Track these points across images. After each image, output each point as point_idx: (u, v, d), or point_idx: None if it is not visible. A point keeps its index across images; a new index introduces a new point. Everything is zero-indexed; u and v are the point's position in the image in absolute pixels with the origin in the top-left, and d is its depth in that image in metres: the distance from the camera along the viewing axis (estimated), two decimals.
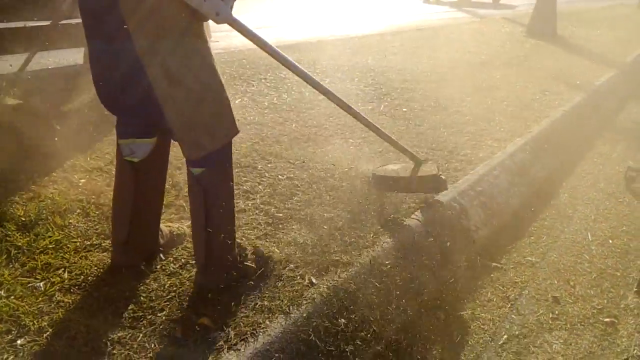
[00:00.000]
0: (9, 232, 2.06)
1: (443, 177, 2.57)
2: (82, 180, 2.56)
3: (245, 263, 1.97)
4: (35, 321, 1.66)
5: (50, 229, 2.10)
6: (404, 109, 4.28)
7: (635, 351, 1.95)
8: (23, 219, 2.15)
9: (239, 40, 1.82)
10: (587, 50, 7.89)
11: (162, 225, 2.10)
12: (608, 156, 4.33)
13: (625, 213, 3.31)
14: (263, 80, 4.74)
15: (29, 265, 1.90)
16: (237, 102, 4.10)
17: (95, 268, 1.94)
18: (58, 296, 1.78)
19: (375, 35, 7.93)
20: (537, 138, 4.00)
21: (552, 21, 8.93)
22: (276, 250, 2.15)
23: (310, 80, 2.07)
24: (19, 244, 2.00)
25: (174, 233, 2.15)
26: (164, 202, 2.11)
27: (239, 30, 1.75)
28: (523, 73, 6.05)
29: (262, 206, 2.49)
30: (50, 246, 2.01)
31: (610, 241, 2.93)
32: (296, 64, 1.97)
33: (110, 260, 1.98)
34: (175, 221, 2.31)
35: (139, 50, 1.51)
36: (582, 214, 3.26)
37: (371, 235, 2.31)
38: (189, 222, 1.98)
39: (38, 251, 1.98)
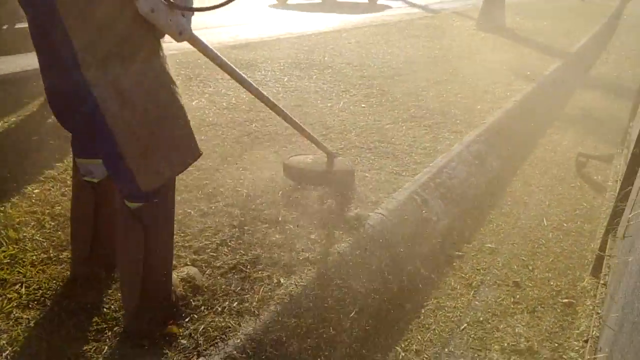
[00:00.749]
0: None
1: (354, 173, 2.72)
2: (36, 191, 2.46)
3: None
4: None
5: (4, 243, 2.01)
6: (363, 105, 4.33)
7: (594, 332, 2.03)
8: None
9: None
10: (535, 41, 8.18)
11: None
12: (559, 143, 4.51)
13: (577, 197, 3.46)
14: (220, 80, 4.68)
15: None
16: (194, 103, 4.04)
17: (54, 282, 1.87)
18: (16, 313, 1.71)
19: (331, 32, 7.97)
20: (491, 129, 4.12)
21: (500, 14, 9.21)
22: (241, 252, 2.14)
23: (267, 101, 2.14)
24: None
25: None
26: None
27: (198, 49, 1.69)
28: (475, 66, 6.22)
29: (225, 208, 2.46)
30: (5, 261, 1.93)
31: (565, 225, 3.05)
32: (252, 83, 2.02)
33: (70, 273, 1.91)
34: None
35: (85, 68, 1.33)
36: (537, 200, 3.38)
37: (337, 231, 2.33)
38: None
39: None
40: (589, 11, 12.47)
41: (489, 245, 2.79)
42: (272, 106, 2.20)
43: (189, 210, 2.42)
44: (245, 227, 2.32)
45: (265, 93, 2.15)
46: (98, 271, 1.88)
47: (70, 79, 1.38)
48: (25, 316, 1.70)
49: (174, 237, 1.99)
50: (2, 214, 2.22)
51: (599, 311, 2.08)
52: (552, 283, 2.47)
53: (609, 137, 4.55)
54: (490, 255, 2.69)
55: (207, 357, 1.60)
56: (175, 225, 2.20)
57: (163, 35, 1.50)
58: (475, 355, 2.00)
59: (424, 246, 2.61)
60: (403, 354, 2.00)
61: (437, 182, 3.03)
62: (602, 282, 2.26)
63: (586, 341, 2.03)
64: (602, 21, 10.91)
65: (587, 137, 4.63)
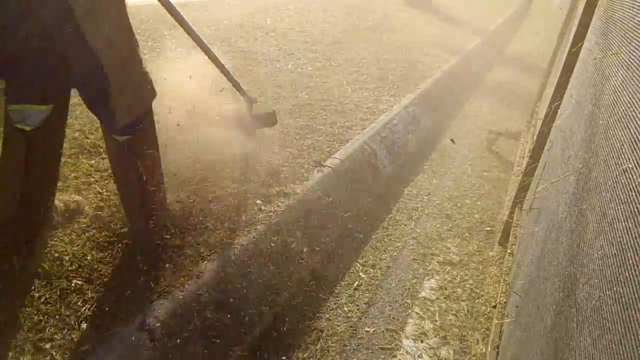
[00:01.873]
0: None
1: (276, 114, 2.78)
2: None
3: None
4: None
5: None
6: (310, 68, 4.65)
7: (501, 298, 2.27)
8: None
9: None
10: (458, 19, 8.85)
11: (55, 200, 1.92)
12: (479, 109, 5.12)
13: (495, 152, 4.06)
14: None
15: None
16: None
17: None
18: None
19: None
20: (423, 94, 4.62)
21: None
22: (219, 187, 2.43)
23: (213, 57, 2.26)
24: None
25: (70, 208, 2.01)
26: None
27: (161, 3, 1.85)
28: (407, 39, 6.71)
29: (194, 156, 2.71)
30: None
31: (485, 173, 3.62)
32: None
33: None
34: (69, 193, 2.16)
35: (79, 17, 1.43)
36: (463, 155, 3.93)
37: (303, 171, 2.68)
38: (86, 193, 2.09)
39: None
40: None
41: (425, 188, 3.27)
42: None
43: None
44: (218, 169, 2.59)
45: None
46: (21, 235, 1.74)
47: (30, 13, 1.41)
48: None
49: None
50: None
51: (506, 279, 2.26)
52: (476, 216, 3.00)
53: (520, 106, 5.23)
54: (427, 196, 3.18)
55: (210, 261, 1.91)
56: None
57: None
58: (419, 266, 2.47)
59: (373, 187, 3.04)
60: (361, 267, 2.42)
61: (382, 136, 3.46)
62: (509, 251, 2.45)
63: (494, 307, 2.22)
64: (516, 3, 11.89)
65: (501, 105, 5.29)
